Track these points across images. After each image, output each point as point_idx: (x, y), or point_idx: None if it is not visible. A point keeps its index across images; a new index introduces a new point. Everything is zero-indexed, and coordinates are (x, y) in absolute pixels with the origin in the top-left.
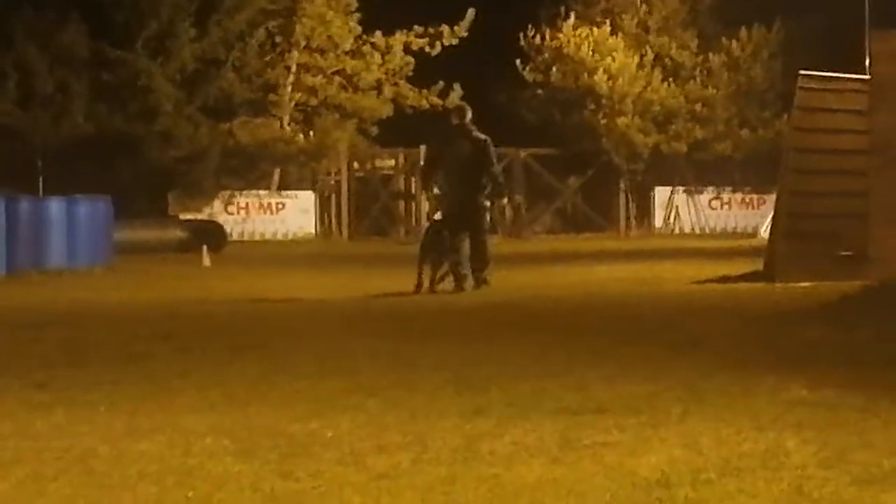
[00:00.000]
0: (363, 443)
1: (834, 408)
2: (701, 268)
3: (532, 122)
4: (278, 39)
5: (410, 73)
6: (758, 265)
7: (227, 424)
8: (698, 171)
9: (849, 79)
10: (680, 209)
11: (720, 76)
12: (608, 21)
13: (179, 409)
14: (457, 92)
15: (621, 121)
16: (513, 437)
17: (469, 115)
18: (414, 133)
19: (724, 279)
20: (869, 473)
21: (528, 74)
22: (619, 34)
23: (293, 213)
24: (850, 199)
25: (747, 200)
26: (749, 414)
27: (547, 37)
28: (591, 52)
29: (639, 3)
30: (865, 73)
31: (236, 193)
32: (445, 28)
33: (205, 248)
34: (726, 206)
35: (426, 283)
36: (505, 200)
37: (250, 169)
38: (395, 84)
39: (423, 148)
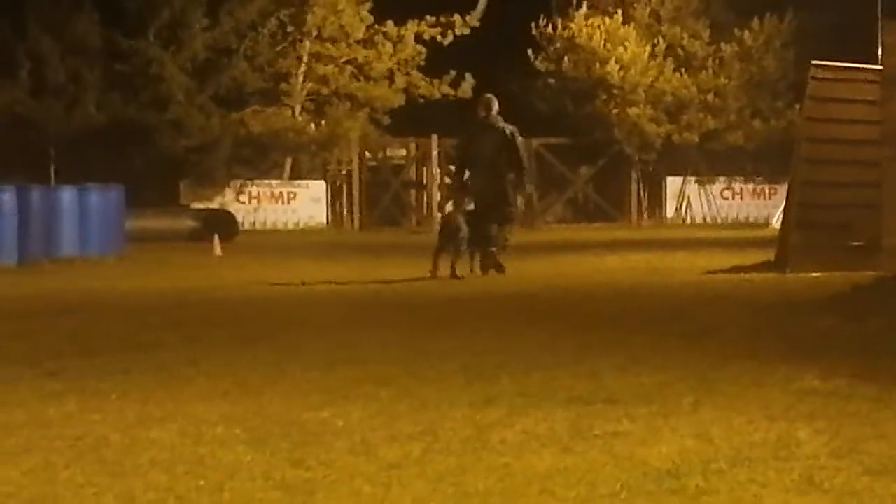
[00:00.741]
0: (374, 432)
1: (846, 398)
2: (712, 258)
3: (544, 112)
4: (290, 29)
5: (422, 63)
6: (769, 255)
7: (239, 413)
8: (710, 161)
9: (861, 69)
10: (691, 199)
11: (732, 66)
12: (620, 11)
13: (191, 397)
14: (468, 82)
15: (633, 111)
16: (523, 426)
17: (496, 106)
18: (425, 123)
19: (736, 269)
20: (881, 464)
21: (539, 64)
22: (631, 24)
23: (304, 203)
24: (862, 189)
25: (759, 190)
26: (760, 404)
27: (559, 26)
28: (602, 42)
29: None
30: (878, 64)
31: (248, 183)
32: (457, 17)
33: (216, 237)
34: (738, 196)
35: (442, 271)
36: (529, 188)
37: (262, 158)
38: (407, 74)
39: (433, 137)
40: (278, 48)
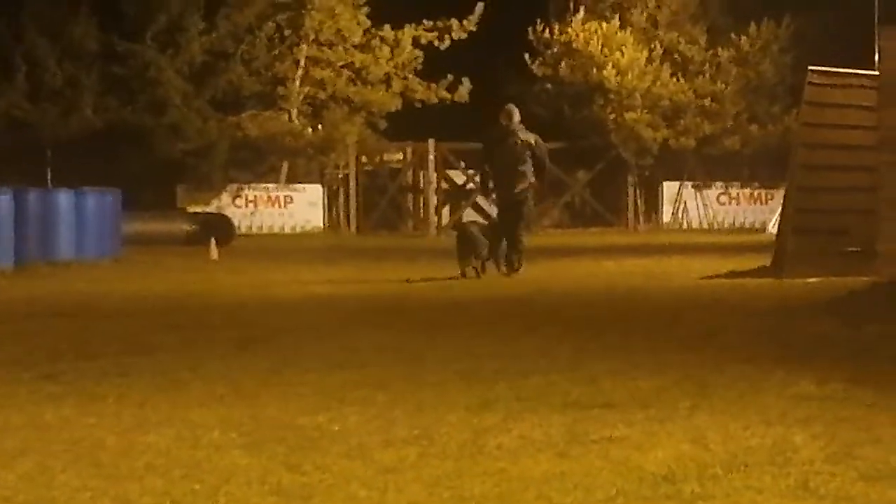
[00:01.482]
0: (370, 436)
1: (842, 403)
2: (709, 263)
3: (541, 117)
4: (287, 33)
5: (419, 67)
6: (766, 260)
7: (235, 417)
8: (707, 166)
9: (858, 74)
10: (688, 204)
11: (729, 71)
12: (617, 15)
13: (187, 401)
14: (465, 86)
15: (630, 115)
16: (520, 431)
17: (517, 116)
18: (422, 127)
19: (733, 274)
20: (876, 469)
21: (536, 69)
22: (629, 29)
23: (301, 207)
24: (859, 194)
25: (756, 196)
26: (756, 409)
27: (556, 31)
28: (600, 47)
29: None
30: (874, 69)
31: (244, 186)
32: (454, 22)
33: (213, 240)
34: (735, 202)
35: (470, 274)
36: (544, 193)
37: (258, 162)
38: (404, 78)
39: (430, 142)
40: (275, 52)
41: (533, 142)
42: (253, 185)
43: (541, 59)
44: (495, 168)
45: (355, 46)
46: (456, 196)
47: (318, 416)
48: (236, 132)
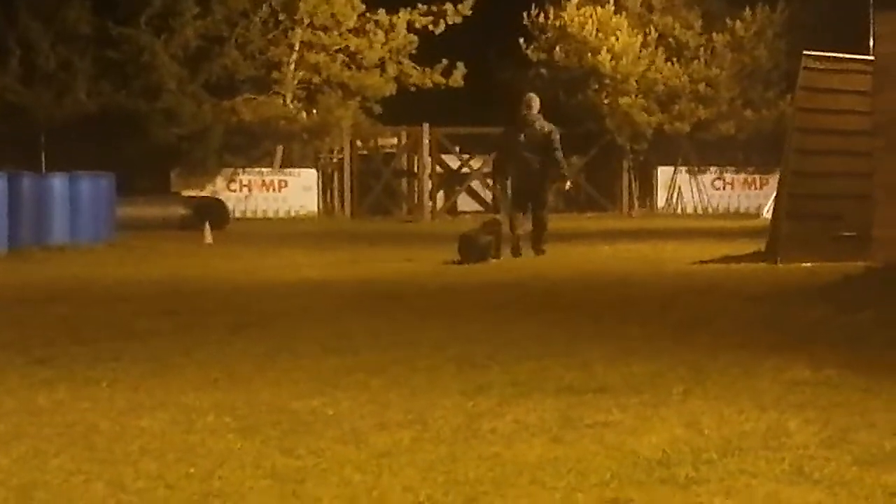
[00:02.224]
0: (364, 421)
1: (836, 388)
2: (703, 248)
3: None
4: (282, 17)
5: (414, 52)
6: (760, 245)
7: (229, 402)
8: (701, 152)
9: (852, 59)
10: (683, 189)
11: (724, 56)
12: (612, 0)
13: (181, 385)
14: (460, 71)
15: (624, 100)
16: (514, 415)
17: (536, 105)
18: (417, 111)
19: (727, 259)
20: (870, 454)
21: (531, 53)
22: (623, 13)
23: (296, 191)
24: (853, 179)
25: (750, 181)
26: (751, 394)
27: (551, 16)
28: (594, 32)
29: None
30: (869, 54)
31: (239, 171)
32: (449, 6)
33: (207, 225)
34: (729, 187)
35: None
36: (568, 184)
37: (253, 146)
38: (399, 62)
39: (424, 126)
40: (270, 36)
41: (549, 131)
42: (247, 169)
43: (535, 43)
44: (514, 155)
45: (350, 31)
46: (450, 180)
47: (313, 401)
48: (231, 117)
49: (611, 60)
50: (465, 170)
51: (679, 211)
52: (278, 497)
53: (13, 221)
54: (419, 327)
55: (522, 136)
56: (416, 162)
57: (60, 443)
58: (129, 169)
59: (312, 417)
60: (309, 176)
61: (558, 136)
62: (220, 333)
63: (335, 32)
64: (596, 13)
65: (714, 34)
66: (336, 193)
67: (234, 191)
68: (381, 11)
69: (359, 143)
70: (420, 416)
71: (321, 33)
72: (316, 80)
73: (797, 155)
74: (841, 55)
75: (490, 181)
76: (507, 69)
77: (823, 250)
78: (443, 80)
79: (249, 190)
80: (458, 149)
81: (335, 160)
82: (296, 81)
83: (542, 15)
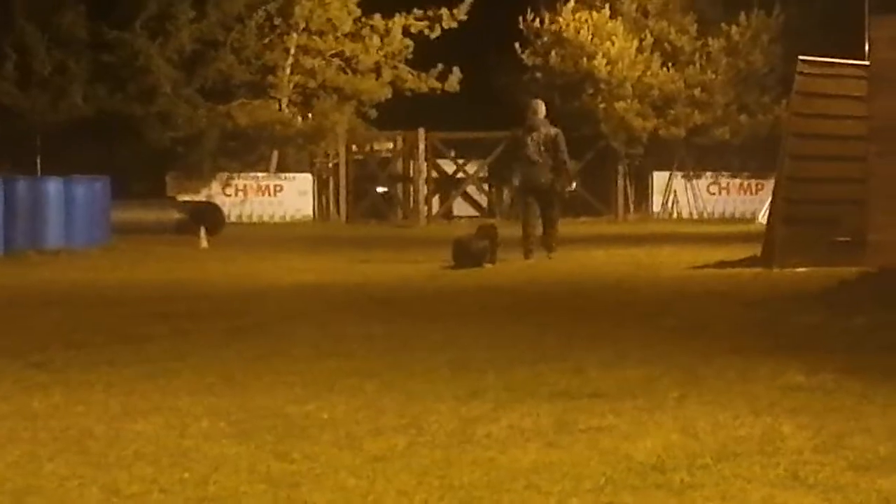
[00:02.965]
0: (359, 425)
1: (831, 393)
2: (699, 253)
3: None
4: (277, 21)
5: (409, 56)
6: (756, 250)
7: (224, 406)
8: (697, 156)
9: (848, 64)
10: (678, 194)
11: (719, 61)
12: (607, 5)
13: (176, 390)
14: (455, 75)
15: (620, 105)
16: (509, 420)
17: (542, 110)
18: (412, 116)
19: (722, 264)
20: (865, 459)
21: (527, 58)
22: (619, 18)
23: (291, 196)
24: (849, 185)
25: (745, 186)
26: (746, 399)
27: (546, 20)
28: (590, 36)
29: None
30: (865, 59)
31: (234, 175)
32: (445, 11)
33: (202, 229)
34: (724, 192)
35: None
36: (573, 185)
37: (248, 151)
38: (394, 67)
39: (420, 131)
40: (265, 41)
41: (554, 135)
42: (243, 173)
43: (531, 48)
44: (522, 159)
45: (345, 35)
46: (446, 185)
47: (307, 405)
48: (226, 121)
49: (606, 65)
50: (460, 175)
51: (674, 216)
52: (273, 502)
53: (9, 225)
54: (414, 332)
55: (530, 140)
56: (411, 167)
57: (55, 447)
58: (125, 173)
59: (307, 422)
60: (304, 180)
61: (564, 140)
62: (214, 338)
63: (331, 37)
64: (591, 18)
65: (709, 39)
66: (331, 198)
67: (230, 195)
68: (377, 16)
69: (354, 147)
70: (415, 421)
71: (317, 38)
72: (311, 84)
73: (792, 160)
74: (836, 60)
75: (486, 186)
76: (502, 74)
77: (819, 255)
78: (438, 85)
79: (245, 194)
80: (453, 153)
81: (331, 165)
82: (291, 86)
83: (537, 20)
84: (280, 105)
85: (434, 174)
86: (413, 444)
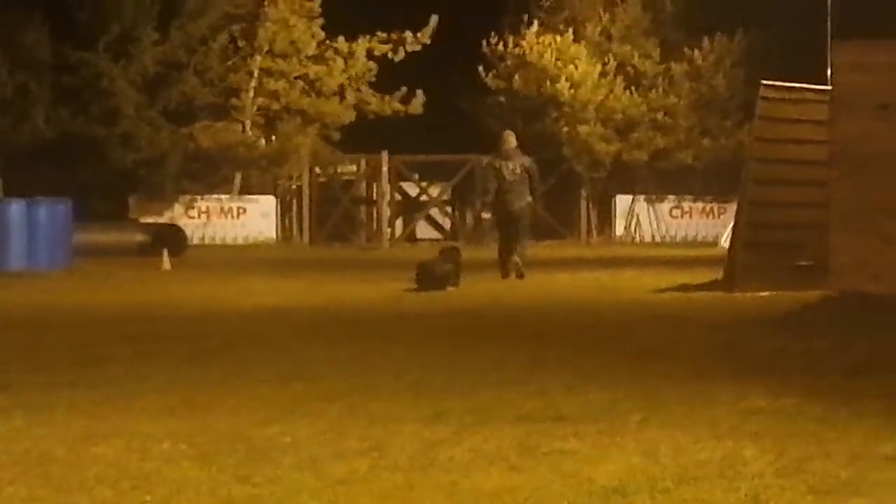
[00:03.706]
0: (321, 448)
1: (792, 417)
2: (661, 276)
3: (494, 129)
4: (241, 44)
5: (373, 79)
6: (718, 274)
7: (186, 429)
8: (659, 180)
9: (810, 89)
10: (641, 217)
11: (682, 85)
12: (571, 29)
13: (138, 413)
14: (419, 98)
15: (583, 129)
16: (471, 444)
17: (512, 141)
18: (376, 139)
19: (684, 288)
20: (826, 483)
21: (490, 81)
22: (582, 42)
23: (254, 218)
24: (810, 209)
25: (708, 210)
26: (707, 422)
27: (510, 44)
28: (553, 60)
29: (602, 11)
30: (826, 84)
31: (197, 197)
32: (408, 34)
33: (165, 251)
34: (687, 215)
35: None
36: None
37: (211, 173)
38: (358, 90)
39: (384, 154)
40: (229, 63)
41: (528, 164)
42: (206, 195)
43: (495, 71)
44: (496, 188)
45: (309, 58)
46: (409, 208)
47: (269, 428)
48: (189, 143)
49: (570, 89)
50: (423, 197)
51: (637, 239)
52: None
53: None
54: (377, 355)
55: (504, 168)
56: (374, 189)
57: (15, 470)
58: (88, 195)
59: (269, 445)
60: (267, 203)
61: (536, 169)
62: (177, 360)
63: (294, 59)
64: (555, 42)
65: (672, 63)
66: (295, 220)
67: (193, 217)
68: (341, 39)
69: (318, 170)
70: (377, 444)
71: (280, 60)
72: (275, 106)
73: (754, 184)
74: (798, 85)
75: (449, 209)
76: (466, 97)
77: (780, 279)
78: (402, 108)
79: (208, 216)
80: (416, 176)
81: (294, 187)
82: (255, 108)
83: (501, 43)
84: (243, 127)
85: (397, 197)
86: (375, 467)
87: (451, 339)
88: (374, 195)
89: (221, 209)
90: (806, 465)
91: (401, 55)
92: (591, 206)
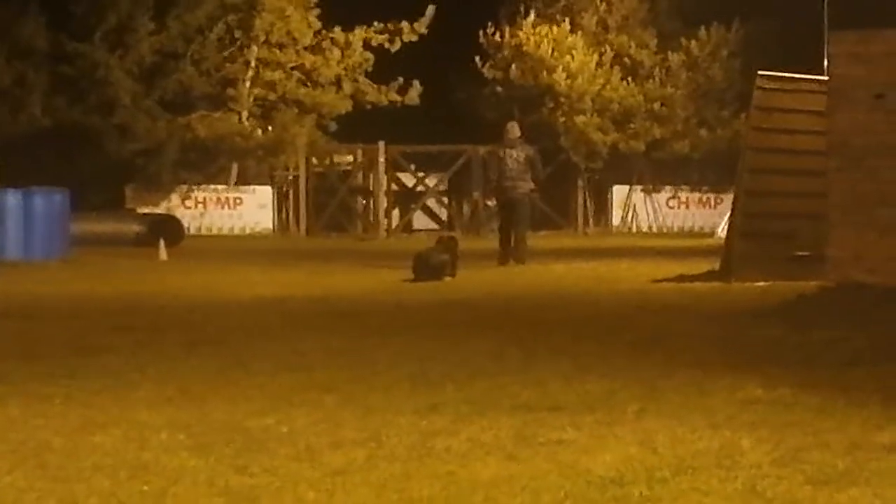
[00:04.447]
0: (318, 438)
1: (789, 407)
2: (658, 267)
3: (491, 120)
4: (238, 34)
5: (370, 69)
6: (714, 264)
7: (183, 419)
8: (656, 170)
9: (806, 79)
10: (638, 208)
11: (679, 75)
12: (568, 19)
13: (135, 403)
14: (416, 89)
15: (580, 119)
16: (468, 434)
17: (515, 132)
18: (373, 129)
19: (681, 278)
20: (823, 473)
21: (487, 72)
22: (579, 32)
23: (251, 208)
24: (807, 199)
25: (705, 200)
26: (704, 413)
27: (507, 34)
28: (550, 50)
29: (598, 1)
30: (823, 74)
31: (194, 188)
32: (405, 24)
33: (162, 242)
34: (684, 206)
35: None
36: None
37: (208, 163)
38: (355, 80)
39: (380, 144)
40: (226, 53)
41: (531, 154)
42: (202, 186)
43: (491, 61)
44: (501, 173)
45: (306, 48)
46: (406, 198)
47: (267, 418)
48: (186, 133)
49: (566, 79)
50: (420, 188)
51: (634, 229)
52: None
53: None
54: (374, 345)
55: (508, 158)
56: (371, 179)
57: (13, 460)
58: (84, 185)
59: (266, 435)
60: (264, 193)
61: (539, 158)
62: (174, 350)
63: (291, 50)
64: (552, 32)
65: (669, 53)
66: (291, 211)
67: (189, 207)
68: (338, 29)
69: (314, 160)
70: (374, 434)
71: (277, 51)
72: (271, 97)
73: (751, 174)
74: (795, 75)
75: (446, 199)
76: (462, 87)
77: (777, 269)
78: (399, 98)
79: (204, 207)
80: (413, 167)
81: (290, 177)
82: (251, 98)
83: (497, 33)
84: (240, 117)
85: (394, 187)
86: (372, 457)
87: (447, 330)
88: (371, 185)
89: (218, 199)
90: (803, 454)
91: (397, 45)
92: (588, 196)
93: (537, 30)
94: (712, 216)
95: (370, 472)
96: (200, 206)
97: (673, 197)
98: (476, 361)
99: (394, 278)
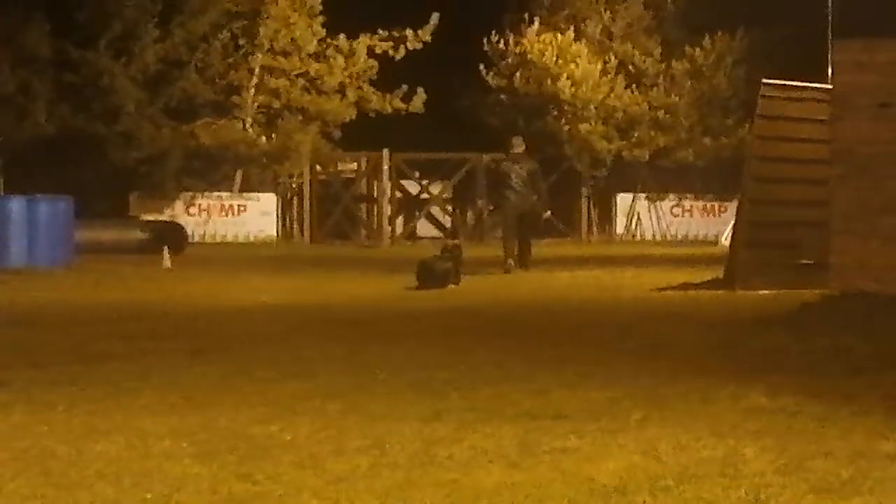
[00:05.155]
0: (322, 446)
1: (793, 416)
2: (662, 275)
3: (495, 128)
4: (242, 41)
5: (374, 77)
6: (718, 273)
7: (186, 426)
8: (660, 179)
9: (811, 88)
10: (641, 216)
11: (683, 83)
12: (572, 27)
13: (138, 410)
14: (420, 96)
15: (584, 127)
16: (471, 441)
17: (519, 145)
18: (377, 137)
19: (685, 286)
20: (827, 482)
21: (491, 80)
22: (583, 40)
23: (254, 216)
24: (811, 207)
25: (709, 208)
26: (708, 421)
27: (511, 42)
28: (554, 58)
29: (603, 9)
30: (827, 82)
31: (198, 195)
32: (409, 32)
33: (166, 249)
34: (688, 214)
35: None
36: (548, 213)
37: (212, 171)
38: (359, 87)
39: (384, 152)
40: (230, 60)
41: (534, 168)
42: (206, 193)
43: (496, 69)
44: (505, 185)
45: (310, 56)
46: (410, 206)
47: (270, 426)
48: (190, 140)
49: (570, 87)
50: (424, 195)
51: (638, 238)
52: None
53: None
54: (377, 353)
55: (512, 171)
56: (375, 187)
57: (16, 467)
58: (88, 192)
59: (270, 442)
60: (268, 200)
61: (541, 173)
62: (177, 358)
63: (295, 57)
64: (556, 40)
65: (673, 62)
66: (295, 218)
67: (193, 215)
68: (342, 37)
69: (318, 167)
70: (378, 442)
71: (281, 58)
72: (276, 104)
73: (755, 183)
74: (799, 83)
75: (450, 207)
76: (467, 95)
77: (781, 278)
78: (403, 106)
79: (208, 214)
80: (417, 174)
81: (294, 185)
82: (255, 106)
83: (502, 41)
84: (244, 125)
85: (398, 195)
86: (376, 465)
87: (451, 337)
88: (375, 193)
89: (222, 207)
90: (807, 463)
91: (402, 53)
92: (591, 204)
93: (542, 38)
94: (716, 224)
95: (373, 479)
96: (204, 213)
97: (677, 205)
98: (479, 369)
99: (398, 286)
